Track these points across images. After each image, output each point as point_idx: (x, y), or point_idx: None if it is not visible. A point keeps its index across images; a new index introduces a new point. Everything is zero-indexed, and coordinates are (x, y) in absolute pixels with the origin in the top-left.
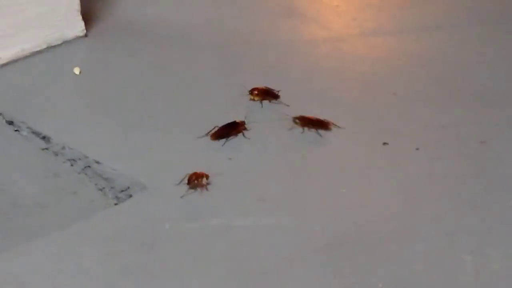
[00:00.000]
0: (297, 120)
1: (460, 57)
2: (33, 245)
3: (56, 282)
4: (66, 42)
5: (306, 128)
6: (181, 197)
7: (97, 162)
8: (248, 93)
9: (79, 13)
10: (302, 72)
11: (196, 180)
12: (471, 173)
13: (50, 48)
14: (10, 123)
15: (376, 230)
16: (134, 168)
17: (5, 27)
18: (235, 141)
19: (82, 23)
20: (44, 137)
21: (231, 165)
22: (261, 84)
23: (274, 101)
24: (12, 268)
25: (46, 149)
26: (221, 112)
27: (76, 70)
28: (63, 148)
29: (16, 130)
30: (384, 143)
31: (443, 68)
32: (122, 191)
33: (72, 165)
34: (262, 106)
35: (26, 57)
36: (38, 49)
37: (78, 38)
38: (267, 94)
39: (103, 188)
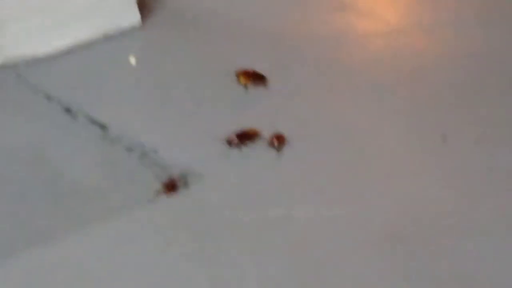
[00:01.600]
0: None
1: None
2: (92, 231)
3: (115, 268)
4: (121, 32)
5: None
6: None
7: (154, 150)
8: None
9: (135, 3)
10: (357, 66)
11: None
12: None
13: (106, 37)
14: (68, 110)
15: (435, 224)
16: (191, 157)
17: (63, 17)
18: (296, 134)
19: (138, 13)
20: (101, 125)
21: (289, 156)
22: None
23: (262, 86)
24: (72, 254)
25: (104, 137)
26: (276, 102)
27: (132, 59)
28: (120, 136)
29: (73, 118)
30: (443, 136)
31: (503, 61)
32: (179, 179)
33: (129, 153)
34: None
35: (83, 45)
36: (95, 38)
37: (133, 27)
38: (255, 78)
39: (160, 176)
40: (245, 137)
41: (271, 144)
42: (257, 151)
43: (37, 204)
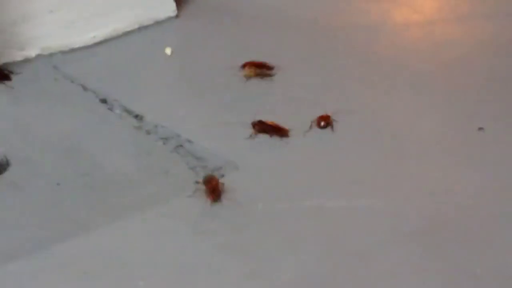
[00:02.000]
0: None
1: None
2: (128, 222)
3: (151, 258)
4: (157, 23)
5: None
6: (305, 133)
7: (189, 141)
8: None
9: None
10: (394, 56)
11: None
12: None
13: (141, 28)
14: (104, 101)
15: (472, 216)
16: (226, 148)
17: (99, 7)
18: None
19: (174, 4)
20: (136, 116)
21: (324, 146)
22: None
23: (268, 77)
24: (108, 244)
25: (139, 127)
26: (313, 92)
27: (168, 50)
28: (156, 126)
29: (109, 109)
30: (480, 128)
31: None
32: (214, 170)
33: (164, 143)
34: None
35: (119, 36)
36: (130, 29)
37: (169, 18)
38: (261, 68)
39: (195, 167)
40: (270, 129)
41: (318, 125)
42: (292, 142)
43: (73, 194)
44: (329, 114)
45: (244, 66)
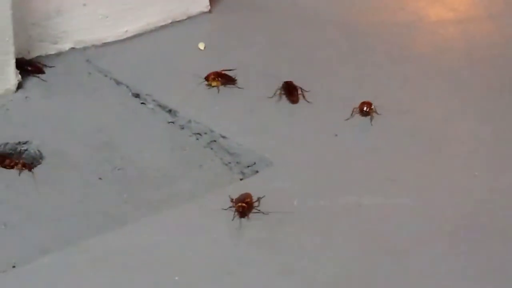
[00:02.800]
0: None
1: None
2: (163, 216)
3: (186, 253)
4: (190, 18)
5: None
6: (346, 119)
7: (223, 137)
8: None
9: None
10: (428, 53)
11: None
12: None
13: (174, 22)
14: (137, 95)
15: (510, 216)
16: (260, 144)
17: (133, 1)
18: (365, 122)
19: None
20: (170, 111)
21: (360, 144)
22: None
23: (231, 84)
24: (144, 238)
25: (172, 122)
26: (349, 90)
27: (201, 45)
28: (189, 121)
29: (142, 103)
30: None
31: None
32: (248, 166)
33: (197, 139)
34: (218, 92)
35: (152, 31)
36: (163, 23)
37: (202, 13)
38: (223, 78)
39: (229, 162)
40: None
41: (361, 111)
42: (327, 139)
43: (107, 189)
44: (369, 101)
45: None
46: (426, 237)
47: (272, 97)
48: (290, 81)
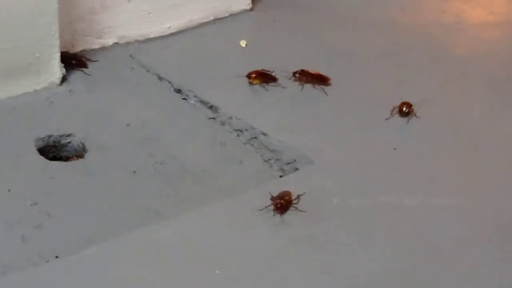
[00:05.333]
0: (296, 75)
1: None
2: (204, 211)
3: (226, 248)
4: (232, 15)
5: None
6: (386, 119)
7: (264, 134)
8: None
9: None
10: (469, 55)
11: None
12: None
13: (216, 20)
14: (178, 91)
15: None
16: (301, 141)
17: None
18: (403, 123)
19: None
20: (211, 107)
21: (399, 145)
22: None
23: (272, 83)
24: (185, 232)
25: (213, 118)
26: (388, 90)
27: (243, 43)
28: (230, 118)
29: (184, 99)
30: None
31: None
32: (288, 163)
33: (238, 135)
34: (267, 90)
35: (194, 27)
36: (205, 20)
37: (244, 11)
38: (265, 77)
39: (269, 159)
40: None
41: (400, 111)
42: (366, 137)
43: (149, 183)
44: (409, 102)
45: (249, 75)
46: (466, 238)
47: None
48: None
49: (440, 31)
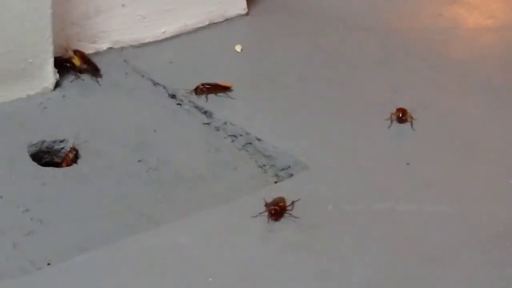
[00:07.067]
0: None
1: None
2: (197, 217)
3: (220, 255)
4: (227, 20)
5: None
6: (388, 127)
7: (258, 139)
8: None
9: None
10: (466, 59)
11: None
12: None
13: (212, 24)
14: (173, 96)
15: None
16: (296, 147)
17: (171, 2)
18: (400, 128)
19: (244, 2)
20: (205, 112)
21: (394, 149)
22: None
23: (222, 93)
24: (178, 239)
25: (208, 123)
26: (385, 95)
27: (238, 48)
28: (225, 123)
29: (178, 104)
30: None
31: None
32: (283, 169)
33: (233, 141)
34: (206, 101)
35: (189, 32)
36: (201, 25)
37: (239, 16)
38: (214, 89)
39: (264, 165)
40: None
41: (397, 117)
42: (361, 144)
43: (142, 189)
44: (404, 108)
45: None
46: (460, 245)
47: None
48: None
49: (437, 36)
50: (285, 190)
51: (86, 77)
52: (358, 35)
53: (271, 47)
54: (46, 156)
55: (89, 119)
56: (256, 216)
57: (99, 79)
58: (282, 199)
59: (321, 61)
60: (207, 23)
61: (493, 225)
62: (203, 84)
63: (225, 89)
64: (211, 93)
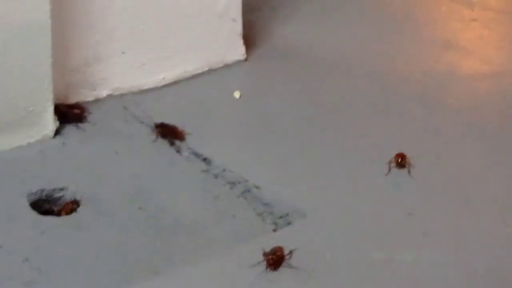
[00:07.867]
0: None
1: None
2: (194, 266)
3: None
4: (226, 66)
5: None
6: (386, 174)
7: (257, 187)
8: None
9: (241, 37)
10: (462, 106)
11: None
12: None
13: (211, 70)
14: (172, 143)
15: None
16: (294, 194)
17: (170, 49)
18: (397, 174)
19: (243, 47)
20: (205, 159)
21: (392, 197)
22: None
23: (178, 141)
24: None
25: (207, 171)
26: (382, 141)
27: (236, 94)
28: (224, 170)
29: (177, 151)
30: None
31: None
32: (281, 217)
33: (231, 188)
34: (154, 141)
35: (188, 78)
36: (200, 71)
37: (238, 62)
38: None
39: (262, 213)
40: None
41: (396, 163)
42: (360, 191)
43: (140, 237)
44: (402, 153)
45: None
46: None
47: None
48: None
49: (433, 82)
50: (283, 239)
51: (86, 125)
52: (354, 81)
53: (270, 93)
54: (46, 205)
55: (88, 167)
56: (255, 266)
57: (85, 124)
58: (280, 249)
59: (319, 108)
60: (206, 69)
61: (488, 277)
62: (157, 126)
63: (178, 136)
64: (165, 137)
